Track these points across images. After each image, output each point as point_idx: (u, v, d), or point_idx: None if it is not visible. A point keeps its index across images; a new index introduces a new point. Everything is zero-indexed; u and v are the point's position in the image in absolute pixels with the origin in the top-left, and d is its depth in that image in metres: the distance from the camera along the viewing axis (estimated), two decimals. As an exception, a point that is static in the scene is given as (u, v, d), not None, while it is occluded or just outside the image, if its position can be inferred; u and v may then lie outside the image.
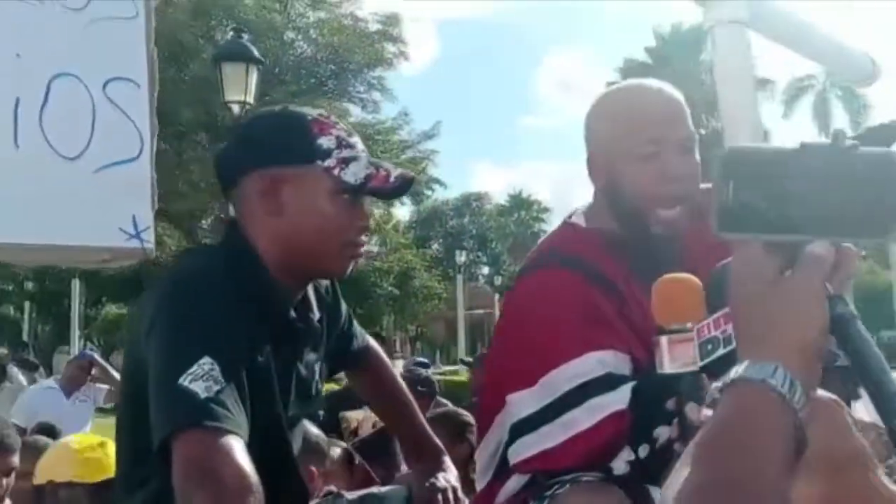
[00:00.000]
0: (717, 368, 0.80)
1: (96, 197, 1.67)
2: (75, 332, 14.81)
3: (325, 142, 1.36)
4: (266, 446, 1.30)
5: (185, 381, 1.12)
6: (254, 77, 8.26)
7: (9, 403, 7.03)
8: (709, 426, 0.68)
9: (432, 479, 1.71)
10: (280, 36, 16.45)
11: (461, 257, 24.14)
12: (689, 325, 0.97)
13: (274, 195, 1.35)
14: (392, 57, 17.62)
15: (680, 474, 0.67)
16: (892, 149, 0.73)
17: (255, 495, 1.07)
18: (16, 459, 2.06)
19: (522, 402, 1.39)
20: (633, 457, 1.30)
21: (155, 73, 1.80)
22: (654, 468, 1.26)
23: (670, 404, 1.26)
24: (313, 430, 2.48)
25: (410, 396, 1.87)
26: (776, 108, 33.09)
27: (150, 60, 1.79)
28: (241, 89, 8.11)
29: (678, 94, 1.50)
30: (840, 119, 32.05)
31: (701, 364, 0.84)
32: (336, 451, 2.66)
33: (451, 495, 1.70)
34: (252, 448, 1.16)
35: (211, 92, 10.81)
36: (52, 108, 1.65)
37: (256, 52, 8.51)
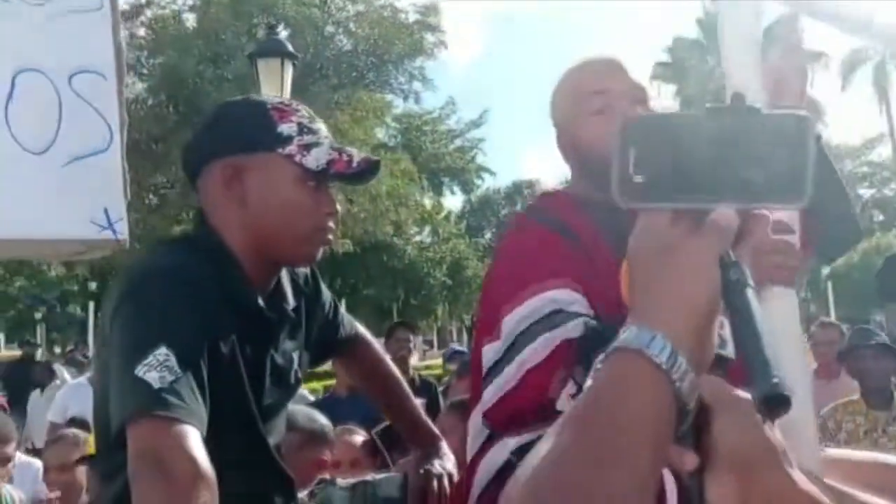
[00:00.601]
0: None
1: (66, 190, 1.68)
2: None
3: (286, 128, 1.36)
4: (239, 435, 1.32)
5: (140, 371, 1.14)
6: (289, 72, 8.33)
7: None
8: (583, 396, 0.64)
9: (427, 466, 1.71)
10: (320, 30, 16.58)
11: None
12: None
13: (237, 184, 1.36)
14: (432, 47, 17.61)
15: (538, 448, 0.62)
16: (800, 111, 0.68)
17: (205, 483, 1.07)
18: (9, 449, 2.10)
19: (489, 353, 1.41)
20: (575, 390, 1.28)
21: (123, 65, 1.79)
22: None
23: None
24: (321, 418, 2.48)
25: (405, 384, 1.87)
26: (833, 81, 32.12)
27: (117, 51, 1.78)
28: (276, 85, 8.18)
29: (621, 58, 1.54)
30: (900, 89, 30.99)
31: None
32: (358, 440, 2.66)
33: (445, 481, 1.70)
34: (225, 437, 1.18)
35: (253, 90, 10.97)
36: (17, 104, 1.66)
37: (291, 47, 8.58)
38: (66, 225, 1.68)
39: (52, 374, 8.02)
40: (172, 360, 1.15)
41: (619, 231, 1.34)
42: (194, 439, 1.10)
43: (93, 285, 22.93)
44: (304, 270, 1.56)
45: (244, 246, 1.36)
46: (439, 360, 11.23)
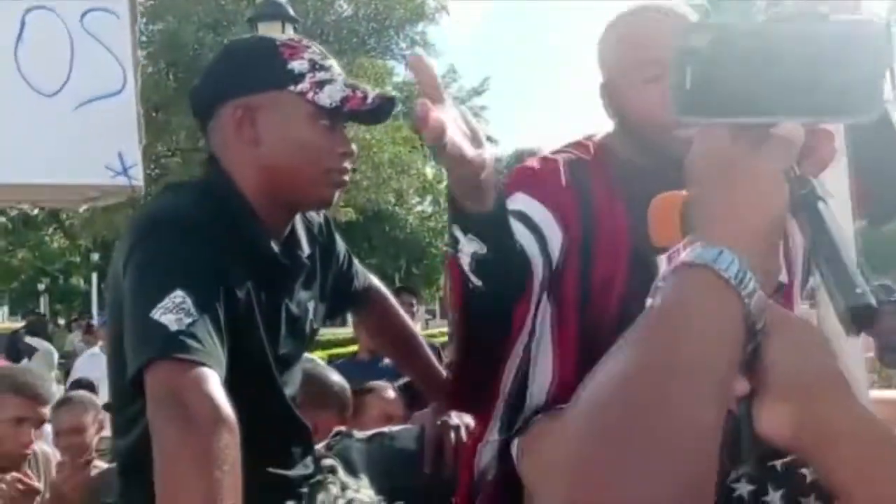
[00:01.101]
0: None
1: (79, 133, 1.63)
2: (140, 300, 15.31)
3: (298, 65, 1.30)
4: (254, 384, 1.28)
5: (155, 314, 1.10)
6: (290, 34, 8.25)
7: (46, 367, 7.36)
8: (646, 314, 0.60)
9: (444, 417, 1.68)
10: (320, -5, 16.40)
11: (515, 213, 24.00)
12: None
13: (249, 125, 1.30)
14: (433, 11, 17.42)
15: (605, 365, 0.58)
16: (867, 17, 0.65)
17: (227, 425, 1.04)
18: (46, 411, 2.08)
19: None
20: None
21: (135, 3, 1.73)
22: None
23: None
24: (335, 377, 2.45)
25: (420, 337, 1.84)
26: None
27: (130, -9, 1.72)
28: (277, 49, 8.11)
29: (689, 14, 1.39)
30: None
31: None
32: (392, 395, 2.67)
33: (463, 432, 1.67)
34: (240, 383, 1.14)
35: (253, 56, 10.84)
36: (27, 44, 1.60)
37: (291, 11, 8.48)
38: (78, 170, 1.63)
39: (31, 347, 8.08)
40: (189, 303, 1.11)
41: (641, 193, 1.33)
42: (214, 382, 1.07)
43: (95, 257, 22.93)
44: (318, 219, 1.52)
45: (258, 189, 1.32)
46: (442, 329, 11.28)
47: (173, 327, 1.09)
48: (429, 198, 25.25)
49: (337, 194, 1.36)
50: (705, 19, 1.43)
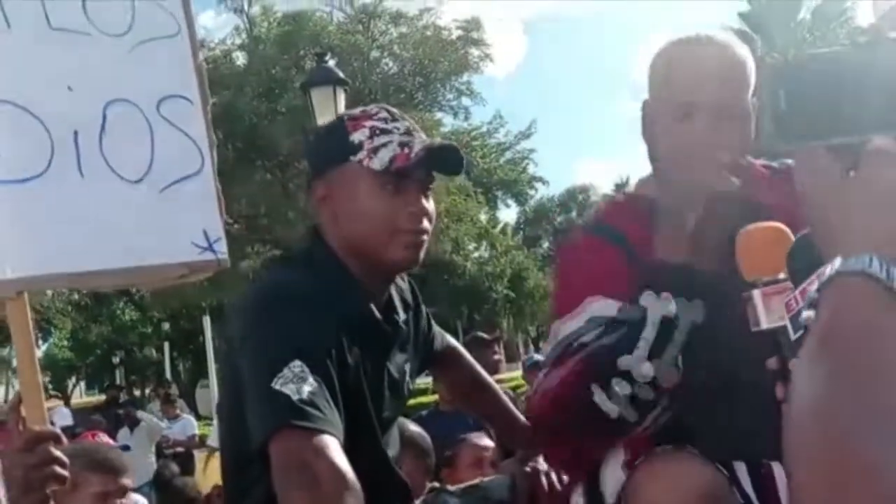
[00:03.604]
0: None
1: (165, 215, 1.68)
2: (212, 366, 15.59)
3: (357, 136, 1.36)
4: (362, 446, 1.31)
5: (276, 384, 1.15)
6: (341, 98, 8.45)
7: (147, 441, 7.49)
8: (817, 324, 0.65)
9: (532, 463, 1.70)
10: (365, 56, 16.81)
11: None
12: (781, 275, 0.94)
13: (329, 200, 1.39)
14: (477, 61, 17.68)
15: (800, 383, 0.64)
16: None
17: (352, 491, 1.08)
18: (128, 481, 2.14)
19: (544, 354, 1.53)
20: (606, 394, 1.30)
21: (205, 87, 1.81)
22: (743, 424, 1.28)
23: (771, 363, 1.21)
24: (413, 426, 2.47)
25: (498, 388, 1.88)
26: None
27: (198, 74, 1.79)
28: (330, 112, 8.29)
29: (736, 55, 1.40)
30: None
31: (794, 338, 0.81)
32: (489, 441, 2.70)
33: (554, 476, 1.69)
34: (348, 446, 1.17)
35: (307, 119, 11.17)
36: (110, 135, 1.67)
37: (341, 74, 8.70)
38: (168, 250, 1.68)
39: (136, 412, 8.23)
40: (307, 372, 1.16)
41: (679, 232, 1.38)
42: (337, 449, 1.11)
43: (166, 326, 23.50)
44: (405, 284, 1.56)
45: (349, 259, 1.37)
46: (509, 374, 11.17)
47: (295, 396, 1.14)
48: (484, 243, 25.31)
49: (420, 253, 1.38)
50: (751, 43, 1.45)
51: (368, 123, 1.37)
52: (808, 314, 0.67)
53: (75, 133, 1.63)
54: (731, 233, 1.07)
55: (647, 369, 1.26)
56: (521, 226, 34.85)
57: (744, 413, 1.28)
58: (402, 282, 1.55)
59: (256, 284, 1.43)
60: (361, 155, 1.34)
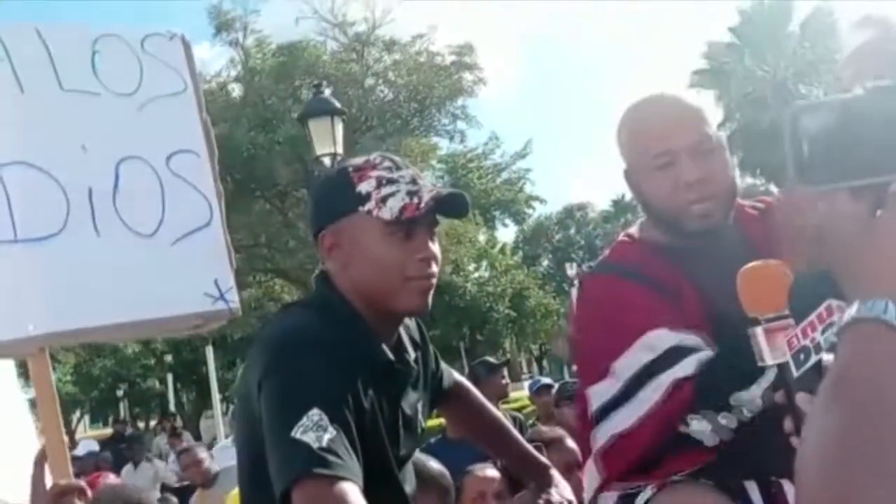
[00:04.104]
0: (809, 379, 0.81)
1: (178, 268, 1.74)
2: (216, 396, 15.56)
3: (365, 186, 1.41)
4: (380, 488, 1.35)
5: (296, 433, 1.19)
6: (339, 128, 8.51)
7: (152, 482, 7.49)
8: (833, 370, 0.67)
9: (545, 496, 1.72)
10: (360, 84, 16.92)
11: (572, 270, 23.78)
12: (785, 311, 0.96)
13: (338, 249, 1.43)
14: (471, 85, 17.79)
15: (811, 427, 0.65)
16: None
17: None
18: None
19: (598, 393, 1.50)
20: (711, 426, 1.35)
21: (212, 140, 1.87)
22: (755, 444, 1.31)
23: (779, 396, 1.26)
24: (434, 465, 2.50)
25: (507, 422, 1.90)
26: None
27: (204, 129, 1.86)
28: (329, 142, 8.36)
29: (689, 101, 1.59)
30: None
31: (796, 376, 0.84)
32: (495, 473, 2.70)
33: None
34: (366, 491, 1.21)
35: (305, 149, 11.25)
36: (123, 192, 1.73)
37: (338, 104, 8.76)
38: (182, 301, 1.74)
39: (142, 448, 8.21)
40: (325, 420, 1.20)
41: (704, 269, 1.43)
42: (356, 495, 1.15)
43: (168, 357, 23.44)
44: (412, 322, 1.60)
45: (360, 305, 1.42)
46: (514, 395, 11.17)
47: (315, 445, 1.17)
48: (484, 263, 25.31)
49: (429, 299, 1.44)
50: (741, 56, 1.56)
51: (374, 173, 1.41)
52: (827, 358, 0.69)
53: (89, 191, 1.70)
54: (732, 270, 1.11)
55: (758, 405, 1.34)
56: (520, 245, 34.87)
57: (754, 432, 1.34)
58: (410, 320, 1.59)
59: (275, 329, 1.44)
60: (370, 205, 1.38)
